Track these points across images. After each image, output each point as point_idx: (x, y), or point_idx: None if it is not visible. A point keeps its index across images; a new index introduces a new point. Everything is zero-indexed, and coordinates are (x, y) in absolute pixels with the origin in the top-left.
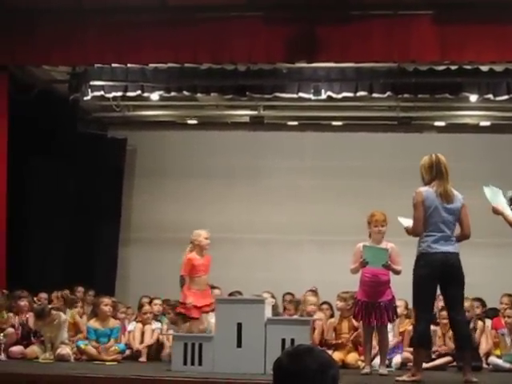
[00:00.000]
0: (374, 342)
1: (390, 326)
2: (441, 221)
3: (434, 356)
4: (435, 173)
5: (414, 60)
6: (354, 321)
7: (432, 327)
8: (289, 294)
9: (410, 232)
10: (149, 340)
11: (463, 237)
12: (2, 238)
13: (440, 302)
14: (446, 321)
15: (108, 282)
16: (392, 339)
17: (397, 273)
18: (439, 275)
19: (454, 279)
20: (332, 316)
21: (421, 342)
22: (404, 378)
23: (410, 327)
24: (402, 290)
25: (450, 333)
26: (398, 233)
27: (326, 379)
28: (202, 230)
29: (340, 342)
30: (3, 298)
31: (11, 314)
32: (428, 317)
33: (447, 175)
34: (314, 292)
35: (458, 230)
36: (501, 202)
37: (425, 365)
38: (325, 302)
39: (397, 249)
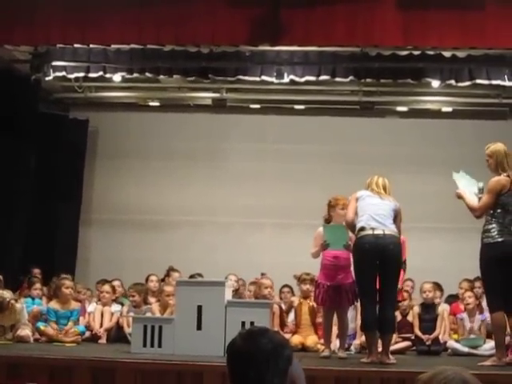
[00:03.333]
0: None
1: (352, 311)
2: (373, 203)
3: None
4: (367, 186)
5: (376, 45)
6: (314, 303)
7: None
8: (241, 279)
9: None
10: (108, 323)
11: None
12: None
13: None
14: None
15: (68, 264)
16: (350, 323)
17: None
18: (372, 258)
19: (386, 260)
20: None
21: (367, 327)
22: (363, 359)
23: None
24: None
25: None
26: None
27: (280, 359)
28: None
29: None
30: None
31: None
32: (371, 301)
33: (378, 188)
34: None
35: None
36: (468, 190)
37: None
38: (286, 285)
39: None
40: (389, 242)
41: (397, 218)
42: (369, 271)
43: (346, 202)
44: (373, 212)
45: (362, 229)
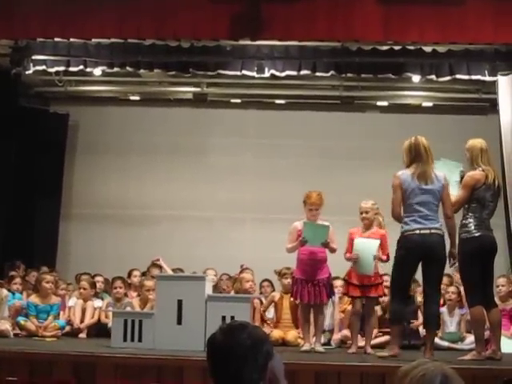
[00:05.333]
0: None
1: (330, 307)
2: (418, 202)
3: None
4: (414, 155)
5: (357, 39)
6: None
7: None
8: (225, 274)
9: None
10: (89, 319)
11: (444, 216)
12: None
13: None
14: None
15: (48, 258)
16: (329, 319)
17: (333, 251)
18: (416, 256)
19: (432, 258)
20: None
21: (394, 319)
22: (384, 353)
23: (350, 307)
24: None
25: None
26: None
27: (259, 354)
28: None
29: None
30: None
31: None
32: (402, 296)
33: (427, 157)
34: (250, 270)
35: None
36: (452, 178)
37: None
38: (266, 280)
39: (332, 227)
40: (435, 239)
41: (445, 196)
42: (407, 269)
43: (315, 201)
44: (418, 213)
45: (407, 230)
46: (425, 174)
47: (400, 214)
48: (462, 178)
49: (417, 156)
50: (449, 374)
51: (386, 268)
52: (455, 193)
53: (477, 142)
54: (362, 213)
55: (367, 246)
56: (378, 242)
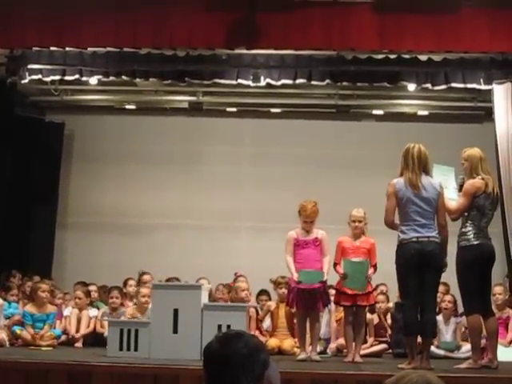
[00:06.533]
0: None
1: (327, 315)
2: (414, 210)
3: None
4: (404, 163)
5: (353, 48)
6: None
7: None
8: (221, 284)
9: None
10: (85, 328)
11: (438, 226)
12: None
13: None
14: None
15: (44, 267)
16: (325, 327)
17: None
18: (415, 263)
19: (430, 266)
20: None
21: (410, 330)
22: (403, 365)
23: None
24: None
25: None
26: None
27: (255, 363)
28: None
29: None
30: None
31: None
32: (413, 305)
33: (414, 166)
34: (244, 277)
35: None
36: (448, 183)
37: (362, 351)
38: (263, 292)
39: (326, 237)
40: (433, 246)
41: (440, 205)
42: (411, 277)
43: (310, 213)
44: (415, 221)
45: (405, 238)
46: (411, 182)
47: (393, 222)
48: (461, 185)
49: (406, 164)
50: (433, 382)
51: (383, 278)
52: (454, 197)
53: (475, 152)
54: (354, 221)
55: (358, 267)
56: (368, 262)
